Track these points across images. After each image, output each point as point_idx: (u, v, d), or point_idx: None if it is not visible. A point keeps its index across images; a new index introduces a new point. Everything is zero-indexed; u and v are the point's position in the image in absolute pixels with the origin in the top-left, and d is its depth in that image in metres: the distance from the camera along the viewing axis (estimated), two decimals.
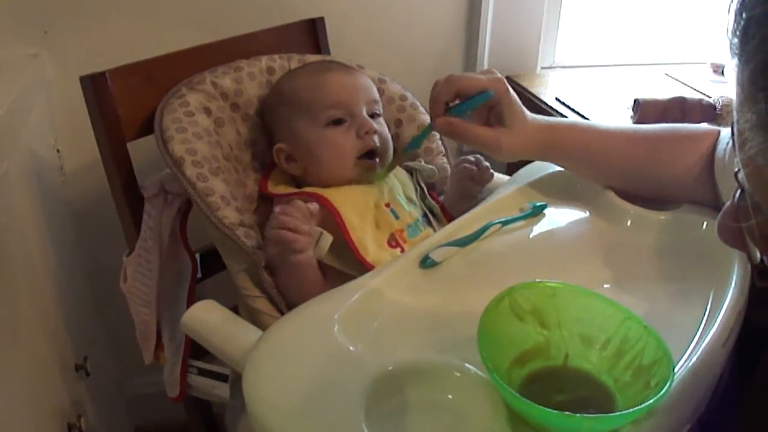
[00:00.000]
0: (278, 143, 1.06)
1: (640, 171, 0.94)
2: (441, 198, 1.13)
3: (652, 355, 0.65)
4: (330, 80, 1.04)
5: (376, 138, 1.03)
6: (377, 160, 1.04)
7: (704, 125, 0.96)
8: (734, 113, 0.49)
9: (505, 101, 0.90)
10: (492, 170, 1.10)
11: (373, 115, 1.06)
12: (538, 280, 0.72)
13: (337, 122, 1.02)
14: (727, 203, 0.57)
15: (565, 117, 1.38)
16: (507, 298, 0.69)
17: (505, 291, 0.69)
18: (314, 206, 0.94)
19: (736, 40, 0.46)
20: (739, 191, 0.54)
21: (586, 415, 0.59)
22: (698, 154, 0.91)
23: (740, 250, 0.60)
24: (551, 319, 0.71)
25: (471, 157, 1.09)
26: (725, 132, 0.91)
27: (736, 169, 0.52)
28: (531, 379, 0.68)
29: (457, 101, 0.91)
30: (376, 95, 1.08)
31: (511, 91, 0.91)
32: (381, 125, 1.06)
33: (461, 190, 1.11)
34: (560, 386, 0.68)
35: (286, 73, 1.13)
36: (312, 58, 1.19)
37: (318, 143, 1.02)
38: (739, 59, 0.46)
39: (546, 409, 0.58)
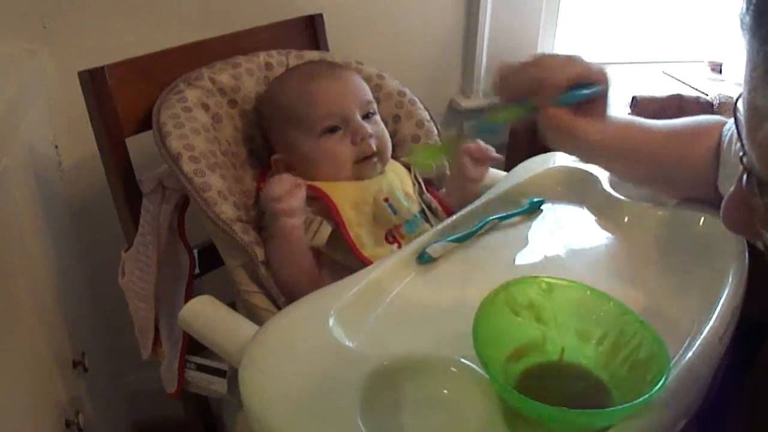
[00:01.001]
0: (275, 154, 1.07)
1: (661, 169, 0.91)
2: (440, 191, 1.13)
3: (648, 350, 0.65)
4: (319, 90, 1.03)
5: (372, 142, 1.03)
6: (375, 159, 1.04)
7: (709, 117, 0.94)
8: (745, 93, 0.49)
9: (606, 96, 0.84)
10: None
11: (368, 115, 1.05)
12: (534, 275, 0.72)
13: (332, 130, 1.02)
14: (732, 189, 0.57)
15: None
16: (503, 293, 0.69)
17: (500, 286, 0.69)
18: (301, 179, 0.96)
19: (748, 18, 0.46)
20: (745, 175, 0.54)
21: (581, 410, 0.59)
22: (706, 147, 0.89)
23: (746, 237, 0.60)
24: (547, 314, 0.71)
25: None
26: (730, 122, 0.90)
27: (741, 153, 0.52)
28: (527, 374, 0.68)
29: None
30: (369, 95, 1.08)
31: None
32: (377, 124, 1.06)
33: (460, 173, 1.09)
34: (556, 381, 0.68)
35: (275, 81, 1.12)
36: (310, 54, 1.19)
37: (314, 153, 1.03)
38: (753, 36, 0.45)
39: (541, 404, 0.58)
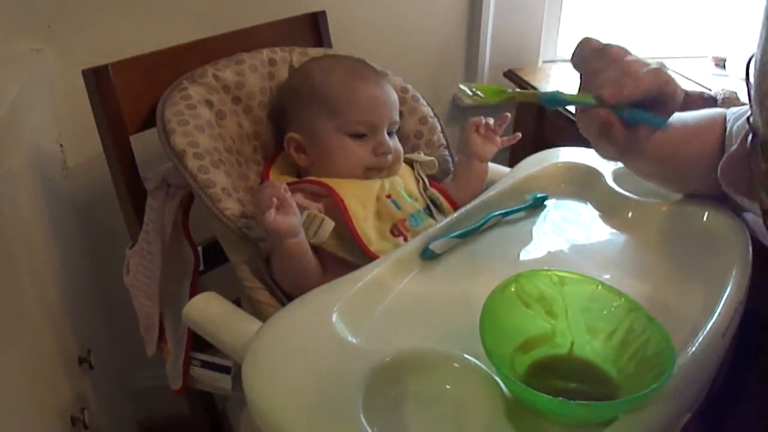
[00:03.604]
0: (292, 132, 1.07)
1: (678, 169, 0.90)
2: (448, 179, 1.15)
3: (655, 347, 0.65)
4: (364, 92, 1.05)
5: (389, 157, 1.05)
6: (385, 171, 1.06)
7: (711, 110, 0.93)
8: (758, 54, 0.49)
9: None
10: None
11: (391, 132, 1.08)
12: (543, 268, 0.72)
13: (359, 135, 1.04)
14: (734, 147, 0.57)
15: (568, 111, 1.37)
16: (514, 285, 0.69)
17: (512, 277, 0.70)
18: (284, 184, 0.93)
19: None
20: (750, 136, 0.54)
21: (582, 402, 0.59)
22: (710, 141, 0.89)
23: (742, 196, 0.59)
24: (558, 308, 0.71)
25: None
26: (730, 112, 0.90)
27: (749, 114, 0.52)
28: (535, 367, 0.68)
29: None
30: (398, 114, 1.10)
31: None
32: (395, 141, 1.08)
33: (468, 149, 1.11)
34: (565, 375, 0.68)
35: (314, 63, 1.13)
36: (314, 51, 1.19)
37: (336, 148, 1.04)
38: None
39: (542, 394, 0.58)
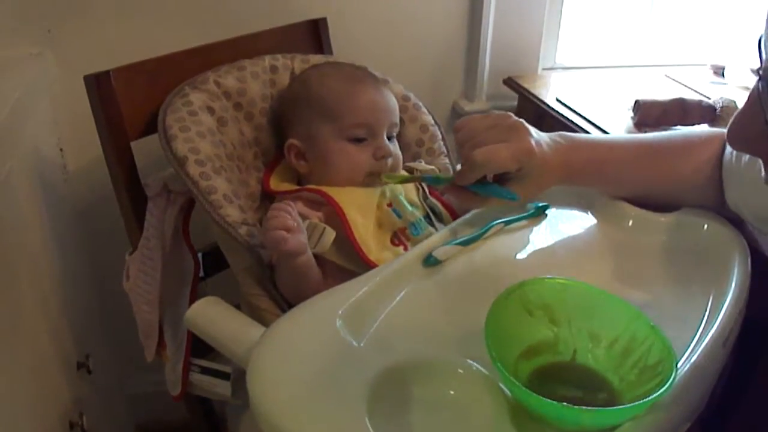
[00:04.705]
0: (292, 139, 1.07)
1: (653, 183, 0.93)
2: (445, 196, 1.14)
3: (657, 356, 0.65)
4: (362, 96, 1.05)
5: (390, 161, 1.05)
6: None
7: (712, 129, 0.95)
8: None
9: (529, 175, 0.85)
10: None
11: (390, 137, 1.08)
12: (547, 276, 0.72)
13: (359, 140, 1.04)
14: (742, 107, 0.57)
15: (567, 118, 1.38)
16: (517, 292, 0.70)
17: (515, 285, 0.70)
18: (290, 202, 0.95)
19: None
20: (761, 84, 0.55)
21: (584, 407, 0.60)
22: (706, 159, 0.90)
23: (752, 153, 0.60)
24: (561, 316, 0.71)
25: None
26: None
27: (758, 66, 0.53)
28: (538, 374, 0.68)
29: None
30: (398, 117, 1.10)
31: (536, 156, 0.84)
32: (395, 146, 1.09)
33: None
34: (567, 382, 0.69)
35: (313, 70, 1.13)
36: (315, 58, 1.20)
37: (335, 153, 1.04)
38: None
39: (545, 399, 0.59)
